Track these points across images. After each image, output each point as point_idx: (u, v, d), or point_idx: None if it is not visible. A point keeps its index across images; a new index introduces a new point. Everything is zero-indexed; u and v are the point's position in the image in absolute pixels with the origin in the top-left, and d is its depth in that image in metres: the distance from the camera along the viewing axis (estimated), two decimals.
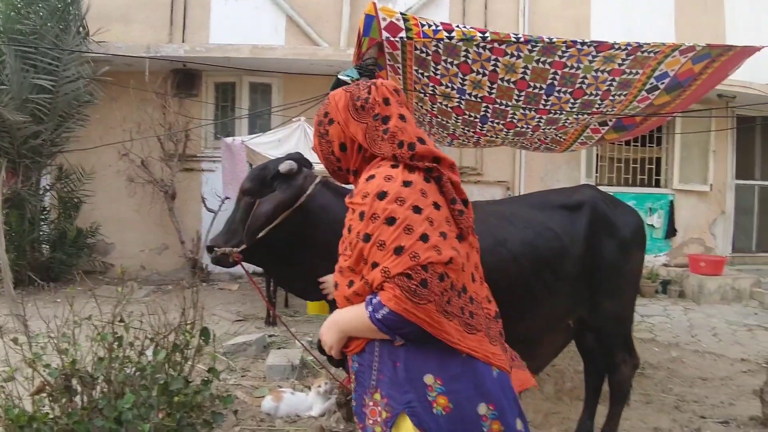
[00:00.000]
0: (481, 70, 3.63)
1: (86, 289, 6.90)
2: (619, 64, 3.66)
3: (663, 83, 3.86)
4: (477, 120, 4.11)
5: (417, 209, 1.38)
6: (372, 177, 1.45)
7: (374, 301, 1.37)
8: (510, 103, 3.87)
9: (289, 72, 7.34)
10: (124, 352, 2.55)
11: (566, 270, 3.02)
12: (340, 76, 3.42)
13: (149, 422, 2.28)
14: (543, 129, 4.36)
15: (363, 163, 1.55)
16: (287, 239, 2.55)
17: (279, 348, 5.03)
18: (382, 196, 1.40)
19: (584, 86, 3.84)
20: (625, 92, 3.95)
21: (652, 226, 9.10)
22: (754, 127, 9.24)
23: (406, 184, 1.41)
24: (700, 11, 9.11)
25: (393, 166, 1.46)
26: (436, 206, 1.42)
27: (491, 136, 4.39)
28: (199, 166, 8.05)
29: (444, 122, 4.32)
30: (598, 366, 3.41)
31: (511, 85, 3.73)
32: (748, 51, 3.63)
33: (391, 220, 1.37)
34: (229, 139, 6.50)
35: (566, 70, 3.67)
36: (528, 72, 3.66)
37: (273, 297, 5.90)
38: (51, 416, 2.32)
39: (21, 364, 2.42)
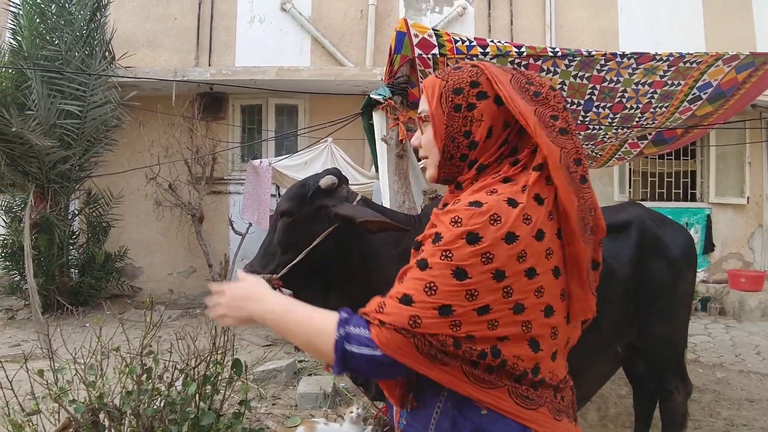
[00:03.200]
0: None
1: (114, 315, 6.94)
2: (661, 76, 3.54)
3: (706, 93, 3.71)
4: None
5: (499, 275, 1.07)
6: (477, 204, 1.10)
7: (357, 329, 1.07)
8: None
9: (315, 92, 7.31)
10: (153, 384, 2.44)
11: (613, 293, 2.85)
12: (371, 95, 3.34)
13: None
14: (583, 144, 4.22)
15: (494, 162, 1.20)
16: (328, 262, 2.36)
17: (310, 374, 4.89)
18: (473, 239, 1.07)
19: (624, 100, 3.72)
20: (666, 104, 3.80)
21: None
22: None
23: (518, 230, 1.08)
24: (729, 19, 8.87)
25: (509, 200, 1.10)
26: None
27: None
28: (227, 188, 8.04)
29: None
30: (648, 393, 3.22)
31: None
32: None
33: (461, 274, 1.06)
34: (256, 162, 6.46)
35: (605, 84, 3.56)
36: (565, 88, 3.55)
37: None
38: None
39: (47, 397, 2.34)
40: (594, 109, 3.74)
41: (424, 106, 1.26)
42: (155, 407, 2.34)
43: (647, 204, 8.28)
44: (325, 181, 2.28)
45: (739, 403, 4.45)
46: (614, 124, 3.90)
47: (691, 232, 8.90)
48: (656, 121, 3.96)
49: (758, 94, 3.87)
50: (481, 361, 1.08)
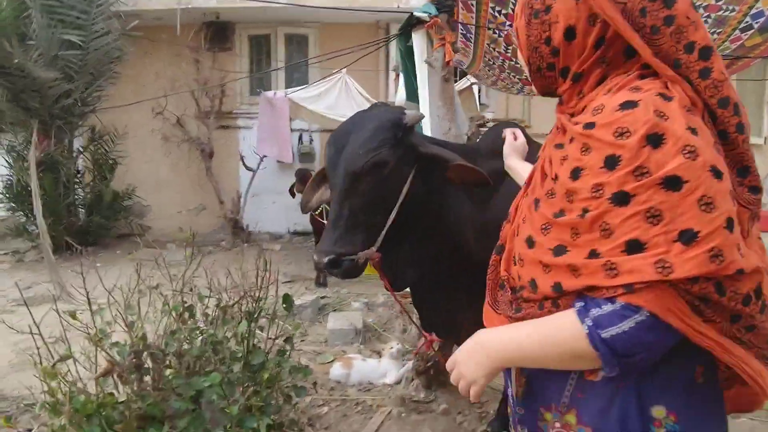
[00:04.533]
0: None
1: (126, 254, 6.80)
2: (716, 0, 3.25)
3: (758, 23, 3.43)
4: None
5: (717, 173, 0.87)
6: (631, 104, 0.90)
7: (603, 308, 0.89)
8: None
9: (327, 22, 6.90)
10: (195, 323, 2.30)
11: None
12: (416, 13, 3.05)
13: (234, 401, 2.03)
14: None
15: (595, 67, 1.02)
16: (412, 212, 1.99)
17: (334, 310, 4.80)
18: (656, 140, 0.87)
19: None
20: (719, 30, 3.53)
21: None
22: None
23: (693, 130, 0.88)
24: None
25: (661, 95, 0.91)
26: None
27: None
28: (236, 123, 7.74)
29: (518, 65, 3.94)
30: None
31: None
32: None
33: (674, 183, 0.85)
34: (269, 93, 6.16)
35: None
36: None
37: None
38: (120, 401, 2.08)
39: (81, 341, 2.18)
40: None
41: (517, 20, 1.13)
42: (200, 347, 2.20)
43: None
44: (413, 117, 1.91)
45: None
46: None
47: None
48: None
49: None
50: (745, 310, 0.89)
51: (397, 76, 5.68)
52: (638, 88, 0.94)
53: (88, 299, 2.26)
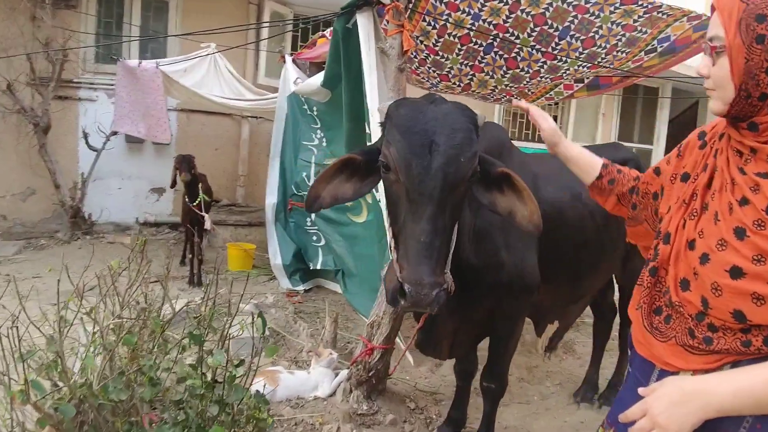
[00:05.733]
0: None
1: None
2: (634, 21, 3.55)
3: (662, 46, 3.82)
4: (480, 49, 3.75)
5: None
6: None
7: None
8: (521, 36, 3.57)
9: None
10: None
11: (621, 229, 2.89)
12: None
13: None
14: (541, 76, 4.11)
15: None
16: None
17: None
18: None
19: (596, 37, 3.67)
20: (628, 50, 3.84)
21: None
22: (636, 94, 9.93)
23: None
24: None
25: None
26: None
27: (487, 73, 4.05)
28: (76, 94, 6.58)
29: (442, 60, 3.88)
30: (608, 321, 3.57)
31: (529, 18, 3.45)
32: None
33: None
34: (132, 62, 5.32)
35: (586, 15, 3.48)
36: (550, 9, 3.40)
37: (200, 253, 5.06)
38: None
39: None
40: (567, 38, 3.65)
41: (717, 31, 1.06)
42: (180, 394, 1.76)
43: (515, 143, 8.75)
44: (482, 118, 1.73)
45: None
46: (580, 60, 3.84)
47: None
48: (613, 65, 3.99)
49: (691, 56, 4.09)
50: None
51: (282, 57, 5.31)
52: None
53: None
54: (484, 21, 3.48)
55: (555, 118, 9.68)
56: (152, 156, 6.94)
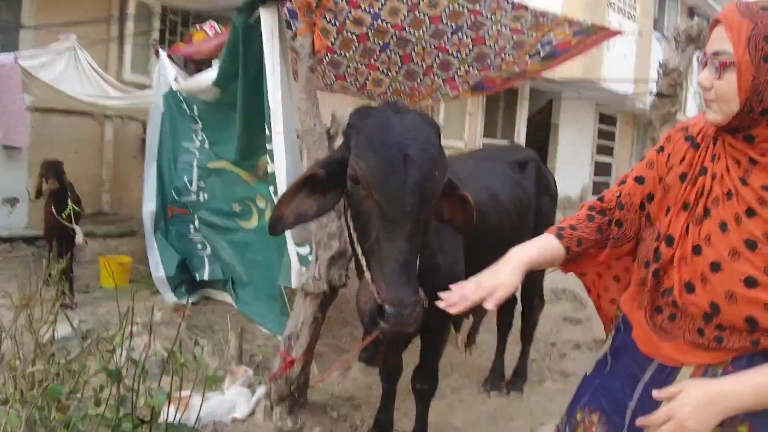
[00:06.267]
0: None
1: None
2: (523, 25, 3.75)
3: (545, 50, 4.09)
4: (377, 47, 3.75)
5: None
6: None
7: None
8: (417, 33, 3.64)
9: None
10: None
11: (526, 224, 3.04)
12: None
13: None
14: (434, 73, 4.21)
15: None
16: None
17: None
18: None
19: (486, 37, 3.84)
20: (516, 52, 4.06)
21: None
22: (499, 94, 10.59)
23: None
24: None
25: None
26: None
27: (383, 71, 4.05)
28: None
29: (339, 58, 3.82)
30: (510, 310, 3.69)
31: (426, 18, 3.50)
32: (612, 33, 4.09)
33: None
34: None
35: (479, 17, 3.62)
36: (447, 11, 3.47)
37: (71, 271, 4.49)
38: None
39: None
40: (459, 34, 3.78)
41: (724, 46, 1.10)
42: None
43: None
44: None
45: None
46: (471, 56, 3.98)
47: None
48: (501, 68, 4.20)
49: (568, 59, 4.45)
50: None
51: (157, 52, 4.90)
52: None
53: None
54: (383, 21, 3.48)
55: None
56: (1, 162, 6.05)
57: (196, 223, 4.69)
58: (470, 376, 3.87)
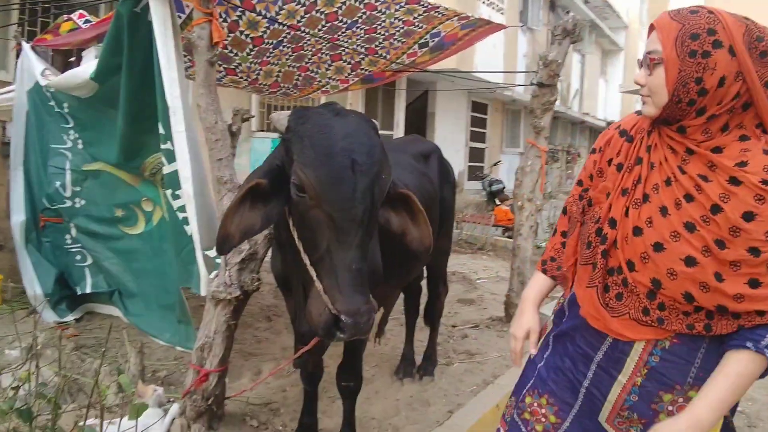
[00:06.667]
0: (304, 0, 3.21)
1: None
2: (414, 18, 3.84)
3: (434, 41, 4.21)
4: (270, 46, 3.63)
5: None
6: None
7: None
8: (311, 31, 3.58)
9: None
10: None
11: (437, 212, 3.12)
12: None
13: None
14: (323, 53, 4.16)
15: (725, 113, 1.21)
16: None
17: None
18: None
19: (378, 28, 3.88)
20: (404, 40, 4.14)
21: None
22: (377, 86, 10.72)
23: None
24: None
25: None
26: None
27: (274, 63, 3.93)
28: None
29: (230, 54, 3.63)
30: (416, 298, 3.83)
31: (322, 17, 3.46)
32: (497, 27, 4.31)
33: None
34: None
35: (374, 12, 3.64)
36: (343, 7, 3.46)
37: None
38: None
39: None
40: (354, 28, 3.79)
41: (656, 46, 1.24)
42: None
43: (272, 135, 8.68)
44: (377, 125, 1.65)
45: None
46: (359, 41, 3.98)
47: None
48: (389, 55, 4.24)
49: (457, 52, 4.61)
50: None
51: (19, 44, 4.36)
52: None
53: None
54: (280, 24, 3.38)
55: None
56: None
57: (73, 232, 4.26)
58: (381, 365, 3.91)
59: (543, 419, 1.48)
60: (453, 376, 3.74)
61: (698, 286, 1.20)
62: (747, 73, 1.18)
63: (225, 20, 3.23)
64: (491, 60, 10.92)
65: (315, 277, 1.52)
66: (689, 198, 1.22)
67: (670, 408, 1.29)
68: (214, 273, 2.71)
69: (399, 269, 2.85)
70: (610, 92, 19.96)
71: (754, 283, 1.16)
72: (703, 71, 1.19)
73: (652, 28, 1.27)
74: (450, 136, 12.68)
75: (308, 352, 2.43)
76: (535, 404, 1.50)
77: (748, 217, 1.15)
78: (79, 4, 4.33)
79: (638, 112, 1.39)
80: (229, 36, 3.41)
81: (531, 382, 1.53)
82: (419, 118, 12.22)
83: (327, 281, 1.46)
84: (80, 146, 4.11)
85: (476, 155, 14.28)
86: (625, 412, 1.34)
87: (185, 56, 3.38)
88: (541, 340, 1.57)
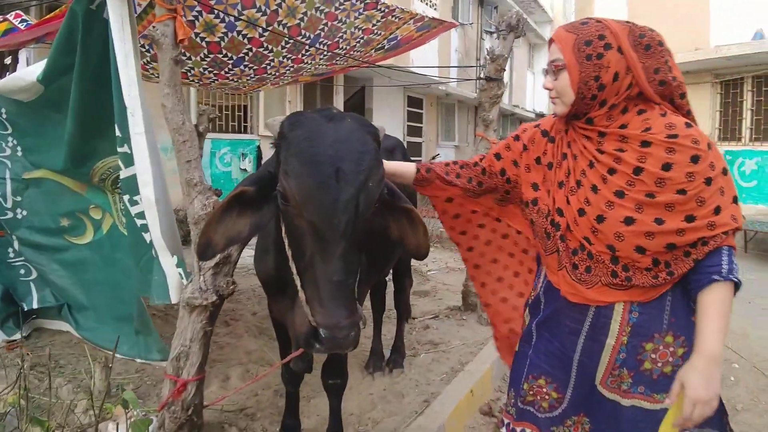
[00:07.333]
0: (264, 8, 3.14)
1: None
2: (373, 24, 3.85)
3: (390, 44, 4.24)
4: (230, 62, 3.53)
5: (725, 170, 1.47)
6: (689, 125, 1.44)
7: (731, 260, 1.39)
8: (275, 49, 3.52)
9: None
10: None
11: None
12: None
13: None
14: (287, 75, 4.12)
15: (623, 101, 1.47)
16: None
17: None
18: (710, 146, 1.42)
19: (340, 41, 3.87)
20: (363, 49, 4.15)
21: (245, 170, 9.55)
22: (315, 82, 10.63)
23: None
24: None
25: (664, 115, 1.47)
26: None
27: (232, 80, 3.84)
28: None
29: (183, 57, 3.49)
30: (381, 296, 3.88)
31: (285, 30, 3.41)
32: (448, 26, 4.40)
33: (725, 171, 1.43)
34: None
35: (335, 22, 3.63)
36: (305, 19, 3.43)
37: None
38: None
39: None
40: (317, 45, 3.75)
41: (557, 55, 1.49)
42: None
43: (211, 135, 8.48)
44: (381, 131, 1.67)
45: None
46: (322, 55, 3.97)
47: (246, 161, 9.67)
48: (346, 61, 4.24)
49: (408, 50, 4.67)
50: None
51: None
52: (677, 115, 1.46)
53: None
54: (239, 33, 3.27)
55: (244, 108, 9.74)
56: None
57: (16, 245, 4.01)
58: (350, 361, 3.89)
59: (546, 396, 1.62)
60: (421, 367, 3.81)
61: (644, 237, 1.39)
62: (633, 68, 1.43)
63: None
64: (426, 55, 11.07)
65: (299, 287, 1.49)
66: (612, 171, 1.44)
67: (653, 356, 1.48)
68: (176, 280, 2.65)
69: (377, 270, 2.87)
70: (537, 84, 20.68)
71: (690, 218, 1.37)
72: (599, 70, 1.43)
73: (551, 41, 1.49)
74: (387, 131, 12.70)
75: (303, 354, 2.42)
76: (536, 386, 1.62)
77: (666, 167, 1.38)
78: (15, 5, 4.06)
79: (554, 114, 1.61)
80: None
81: (525, 370, 1.62)
82: (359, 113, 12.22)
83: (309, 292, 1.44)
84: (20, 153, 3.87)
85: (414, 149, 14.46)
86: (616, 370, 1.52)
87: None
88: (524, 332, 1.70)
